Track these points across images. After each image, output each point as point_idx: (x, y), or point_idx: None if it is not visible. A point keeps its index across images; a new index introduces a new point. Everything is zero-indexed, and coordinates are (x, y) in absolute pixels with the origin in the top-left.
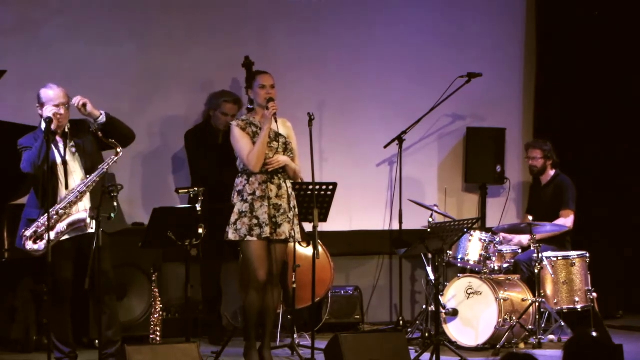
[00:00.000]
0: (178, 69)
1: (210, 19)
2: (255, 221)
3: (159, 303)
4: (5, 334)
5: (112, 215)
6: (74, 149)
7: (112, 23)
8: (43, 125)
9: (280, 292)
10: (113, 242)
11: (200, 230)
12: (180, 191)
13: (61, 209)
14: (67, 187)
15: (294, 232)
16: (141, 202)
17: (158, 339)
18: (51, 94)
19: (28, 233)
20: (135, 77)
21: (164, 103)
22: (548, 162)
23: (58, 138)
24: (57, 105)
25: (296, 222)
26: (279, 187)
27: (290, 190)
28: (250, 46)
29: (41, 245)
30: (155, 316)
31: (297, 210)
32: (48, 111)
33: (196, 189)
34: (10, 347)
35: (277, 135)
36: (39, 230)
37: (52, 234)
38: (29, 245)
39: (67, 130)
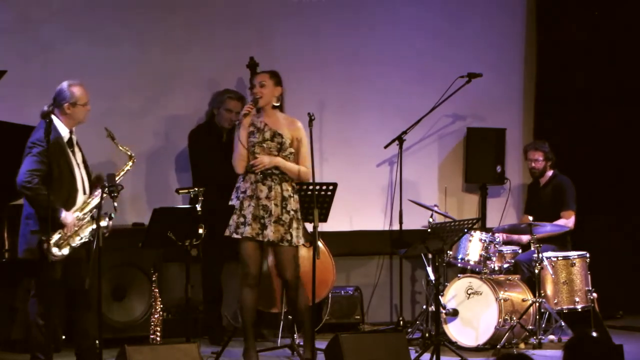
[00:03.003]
0: (181, 69)
1: (212, 19)
2: (242, 219)
3: (159, 303)
4: (5, 334)
5: (113, 215)
6: (79, 153)
7: (113, 23)
8: (59, 125)
9: (303, 292)
10: (113, 242)
11: (200, 230)
12: (180, 191)
13: (83, 215)
14: (84, 191)
15: (291, 236)
16: (143, 202)
17: (158, 339)
18: (81, 91)
19: (53, 240)
20: (138, 78)
21: (168, 103)
22: (548, 163)
23: (72, 140)
24: (86, 104)
25: (295, 225)
26: (270, 189)
27: (287, 194)
28: (252, 46)
29: (65, 250)
30: (156, 316)
31: (298, 213)
32: (82, 113)
33: (196, 189)
34: (10, 347)
35: (275, 135)
36: (65, 236)
37: (77, 240)
38: (55, 250)
39: (74, 134)
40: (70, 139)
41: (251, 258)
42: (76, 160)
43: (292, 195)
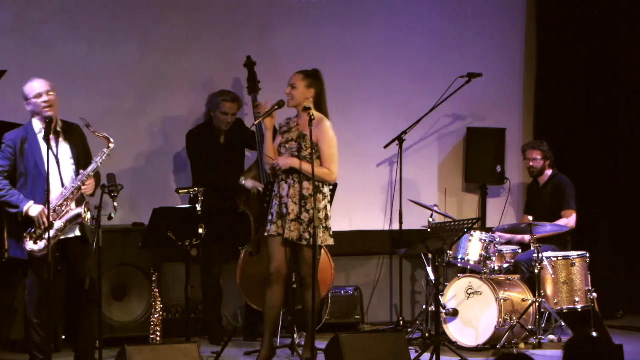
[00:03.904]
0: (179, 69)
1: (210, 18)
2: (270, 217)
3: (159, 303)
4: (5, 334)
5: (112, 215)
6: (68, 148)
7: (112, 23)
8: (34, 122)
9: (313, 293)
10: (113, 242)
11: (200, 230)
12: (180, 191)
13: (58, 206)
14: (62, 184)
15: (309, 235)
16: (142, 202)
17: (158, 339)
18: (31, 84)
19: (27, 234)
20: (136, 77)
21: (166, 103)
22: (547, 162)
23: (51, 136)
24: (40, 95)
25: (316, 225)
26: (290, 187)
27: (306, 193)
28: (251, 46)
29: (41, 245)
30: (156, 316)
31: (321, 213)
32: (37, 105)
33: (196, 189)
34: (10, 347)
35: (300, 136)
36: (39, 230)
37: (51, 232)
38: (29, 245)
39: (59, 129)
40: (49, 133)
41: (275, 256)
42: (56, 155)
43: (312, 194)
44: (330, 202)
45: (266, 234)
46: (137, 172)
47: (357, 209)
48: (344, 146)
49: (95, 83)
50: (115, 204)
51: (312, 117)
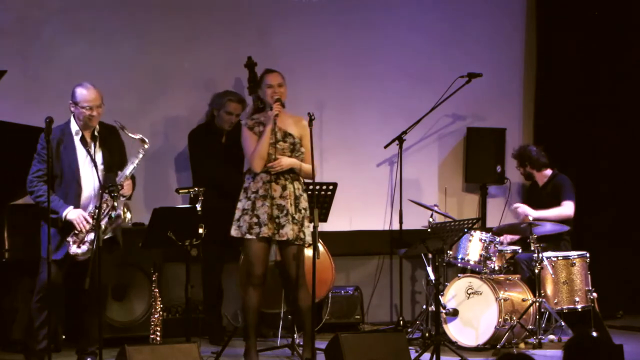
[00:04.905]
0: (180, 69)
1: (211, 18)
2: (255, 220)
3: (159, 303)
4: (5, 334)
5: (113, 215)
6: (100, 153)
7: (112, 23)
8: (72, 122)
9: (306, 291)
10: (112, 242)
11: (200, 230)
12: (180, 191)
13: (96, 209)
14: (95, 190)
15: (304, 235)
16: (143, 202)
17: (158, 339)
18: (86, 94)
19: (70, 238)
20: (137, 77)
21: (167, 103)
22: (527, 168)
23: (88, 140)
24: (90, 108)
25: (306, 224)
26: (284, 188)
27: (298, 192)
28: (251, 46)
29: (84, 248)
30: (156, 316)
31: (307, 212)
32: (82, 114)
33: (196, 189)
34: (10, 347)
35: (286, 135)
36: (81, 234)
37: (91, 236)
38: (73, 249)
39: (96, 133)
40: (85, 137)
41: (259, 259)
42: (92, 159)
43: (302, 194)
44: (330, 201)
45: (252, 237)
46: (138, 172)
47: (357, 209)
48: (344, 146)
49: (95, 83)
50: (116, 204)
51: (313, 117)
